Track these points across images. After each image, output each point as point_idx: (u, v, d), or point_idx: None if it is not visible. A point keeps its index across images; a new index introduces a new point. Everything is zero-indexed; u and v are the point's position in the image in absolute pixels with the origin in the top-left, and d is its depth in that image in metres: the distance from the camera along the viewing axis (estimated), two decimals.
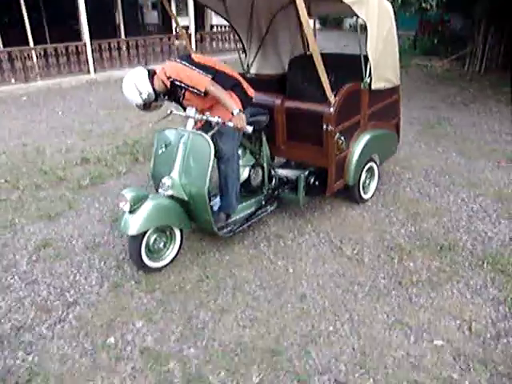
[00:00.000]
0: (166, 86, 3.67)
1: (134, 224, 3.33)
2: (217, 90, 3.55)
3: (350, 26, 26.23)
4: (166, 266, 3.65)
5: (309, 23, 3.55)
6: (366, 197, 4.74)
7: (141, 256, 3.48)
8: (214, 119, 3.56)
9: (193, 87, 3.60)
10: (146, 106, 3.69)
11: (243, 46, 5.19)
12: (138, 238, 3.42)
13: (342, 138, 4.07)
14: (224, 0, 4.69)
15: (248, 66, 5.20)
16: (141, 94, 3.59)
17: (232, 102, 3.59)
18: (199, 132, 3.58)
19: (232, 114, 3.52)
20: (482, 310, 3.15)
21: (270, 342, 2.92)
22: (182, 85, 3.61)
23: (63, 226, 4.41)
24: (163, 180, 3.51)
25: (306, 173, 4.29)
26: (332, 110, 3.90)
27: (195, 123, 3.64)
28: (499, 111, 8.10)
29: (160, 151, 3.69)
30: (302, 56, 5.22)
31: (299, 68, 5.00)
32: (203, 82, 3.55)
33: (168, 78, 3.65)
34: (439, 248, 3.91)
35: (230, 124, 3.50)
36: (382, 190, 4.97)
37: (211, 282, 3.53)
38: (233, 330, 3.04)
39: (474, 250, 3.87)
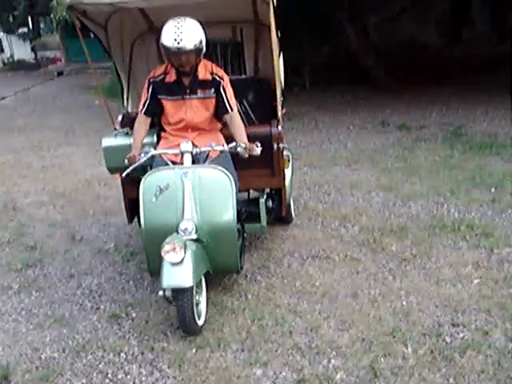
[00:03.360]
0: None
1: (186, 275, 3.14)
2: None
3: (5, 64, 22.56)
4: (203, 325, 3.41)
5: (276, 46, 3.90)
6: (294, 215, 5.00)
7: (194, 315, 3.24)
8: (225, 147, 3.58)
9: (228, 100, 3.72)
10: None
11: (120, 80, 4.77)
12: (189, 294, 3.17)
13: (289, 155, 4.39)
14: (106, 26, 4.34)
15: (125, 102, 4.78)
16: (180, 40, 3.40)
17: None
18: (206, 165, 3.56)
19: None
20: None
21: None
22: (223, 91, 3.70)
23: None
24: (182, 225, 3.29)
25: (265, 197, 4.30)
26: (280, 127, 4.10)
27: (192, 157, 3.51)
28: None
29: (154, 198, 3.41)
30: None
31: None
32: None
33: (213, 72, 3.72)
34: None
35: (258, 151, 3.56)
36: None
37: None
38: None
39: None
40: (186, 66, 3.61)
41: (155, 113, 3.85)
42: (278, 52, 4.04)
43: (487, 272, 3.85)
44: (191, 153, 3.50)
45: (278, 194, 4.39)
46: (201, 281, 3.44)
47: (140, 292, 3.96)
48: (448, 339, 3.14)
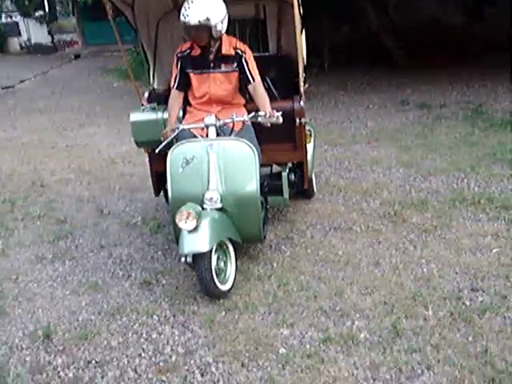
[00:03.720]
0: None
1: (202, 241, 3.34)
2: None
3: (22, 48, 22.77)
4: (230, 289, 3.63)
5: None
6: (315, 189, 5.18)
7: (213, 278, 3.43)
8: (245, 117, 3.82)
9: (250, 71, 3.90)
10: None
11: (146, 57, 4.93)
12: (206, 258, 3.38)
13: (311, 130, 4.61)
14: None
15: (151, 79, 4.95)
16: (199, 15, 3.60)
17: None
18: (231, 137, 3.79)
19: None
20: None
21: None
22: (245, 63, 3.88)
23: None
24: (207, 195, 3.51)
25: (287, 170, 4.47)
26: (302, 103, 4.27)
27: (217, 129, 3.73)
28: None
29: (180, 169, 3.63)
30: None
31: None
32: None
33: (236, 47, 3.91)
34: None
35: (280, 120, 3.70)
36: None
37: None
38: None
39: None
40: (201, 41, 3.81)
41: (187, 87, 4.06)
42: (300, 29, 4.18)
43: (506, 242, 4.00)
44: (215, 126, 3.70)
45: (300, 168, 4.56)
46: (227, 248, 3.67)
47: (169, 261, 4.17)
48: (467, 302, 3.31)
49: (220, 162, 3.61)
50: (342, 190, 5.27)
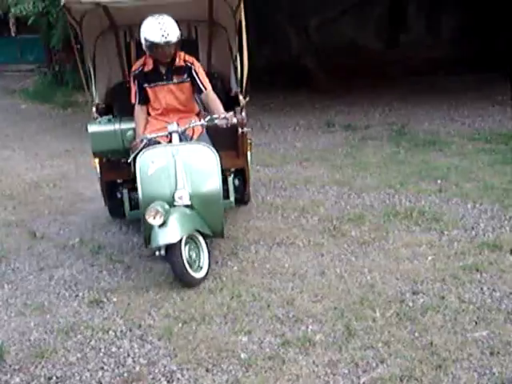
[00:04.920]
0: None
1: (171, 233, 3.92)
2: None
3: None
4: (204, 277, 4.21)
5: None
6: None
7: (185, 266, 3.99)
8: (202, 122, 4.47)
9: (201, 81, 4.55)
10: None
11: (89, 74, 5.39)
12: (178, 248, 3.95)
13: (250, 138, 5.34)
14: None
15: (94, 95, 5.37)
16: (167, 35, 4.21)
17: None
18: (193, 142, 4.47)
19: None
20: None
21: None
22: (195, 74, 4.52)
23: None
24: (177, 194, 4.11)
25: (232, 175, 5.05)
26: (244, 114, 4.97)
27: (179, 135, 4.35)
28: None
29: (147, 173, 4.18)
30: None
31: None
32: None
33: (185, 60, 4.47)
34: None
35: (234, 120, 4.37)
36: None
37: None
38: None
39: None
40: (165, 57, 4.38)
41: (146, 101, 4.68)
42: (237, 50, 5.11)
43: (439, 250, 4.56)
44: (178, 132, 4.32)
45: (241, 174, 5.17)
46: (197, 239, 4.27)
47: (116, 280, 4.40)
48: (410, 304, 3.80)
49: (186, 164, 4.19)
50: (279, 208, 5.69)
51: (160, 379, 3.20)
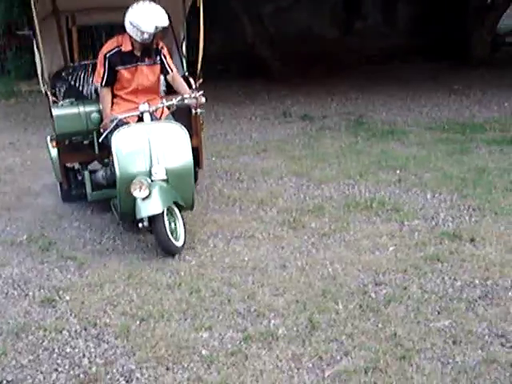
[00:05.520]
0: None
1: (154, 205, 4.31)
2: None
3: None
4: (182, 246, 4.56)
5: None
6: None
7: (168, 235, 4.38)
8: (174, 101, 4.78)
9: (169, 64, 5.02)
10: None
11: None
12: (161, 219, 4.34)
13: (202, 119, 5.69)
14: None
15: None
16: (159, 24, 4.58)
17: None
18: (164, 121, 4.86)
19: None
20: None
21: None
22: (163, 57, 4.96)
23: None
24: (154, 169, 4.42)
25: None
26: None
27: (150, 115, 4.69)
28: None
29: (124, 151, 4.50)
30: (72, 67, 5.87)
31: None
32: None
33: (157, 45, 4.86)
34: None
35: (203, 100, 4.84)
36: None
37: None
38: None
39: None
40: (151, 43, 4.78)
41: (113, 82, 4.95)
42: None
43: (400, 240, 4.65)
44: (149, 112, 4.64)
45: (196, 152, 5.30)
46: (173, 211, 4.60)
47: (68, 277, 4.32)
48: (373, 295, 3.87)
49: (160, 141, 4.51)
50: (237, 200, 5.69)
51: (118, 379, 3.17)
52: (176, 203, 4.59)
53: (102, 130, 4.83)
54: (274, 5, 12.81)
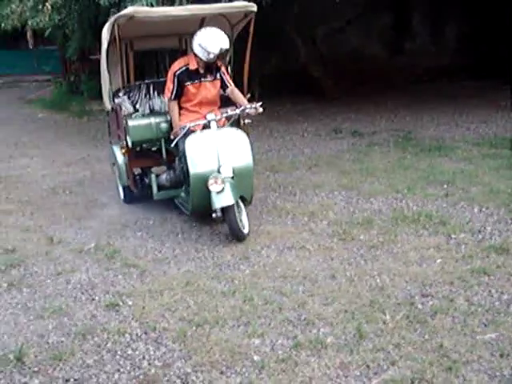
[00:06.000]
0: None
1: (228, 197, 4.74)
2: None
3: None
4: (248, 233, 4.99)
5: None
6: None
7: (239, 226, 4.85)
8: (237, 111, 5.27)
9: (227, 80, 5.50)
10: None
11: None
12: (233, 210, 4.78)
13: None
14: None
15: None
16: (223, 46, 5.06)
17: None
18: (230, 128, 5.23)
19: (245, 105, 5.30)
20: None
21: None
22: (222, 74, 5.43)
23: None
24: (223, 168, 4.87)
25: None
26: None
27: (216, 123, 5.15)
28: None
29: (196, 153, 4.94)
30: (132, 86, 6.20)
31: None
32: None
33: (215, 63, 5.24)
34: None
35: (261, 109, 5.19)
36: None
37: None
38: None
39: None
40: (212, 62, 5.17)
41: (180, 96, 5.38)
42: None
43: (447, 253, 4.51)
44: (215, 120, 5.11)
45: None
46: (239, 204, 5.00)
47: (131, 283, 4.37)
48: (420, 306, 3.75)
49: (226, 144, 4.97)
50: (289, 212, 5.66)
51: (175, 381, 3.18)
52: (241, 197, 5.01)
53: (172, 137, 5.24)
54: (326, 27, 12.79)
